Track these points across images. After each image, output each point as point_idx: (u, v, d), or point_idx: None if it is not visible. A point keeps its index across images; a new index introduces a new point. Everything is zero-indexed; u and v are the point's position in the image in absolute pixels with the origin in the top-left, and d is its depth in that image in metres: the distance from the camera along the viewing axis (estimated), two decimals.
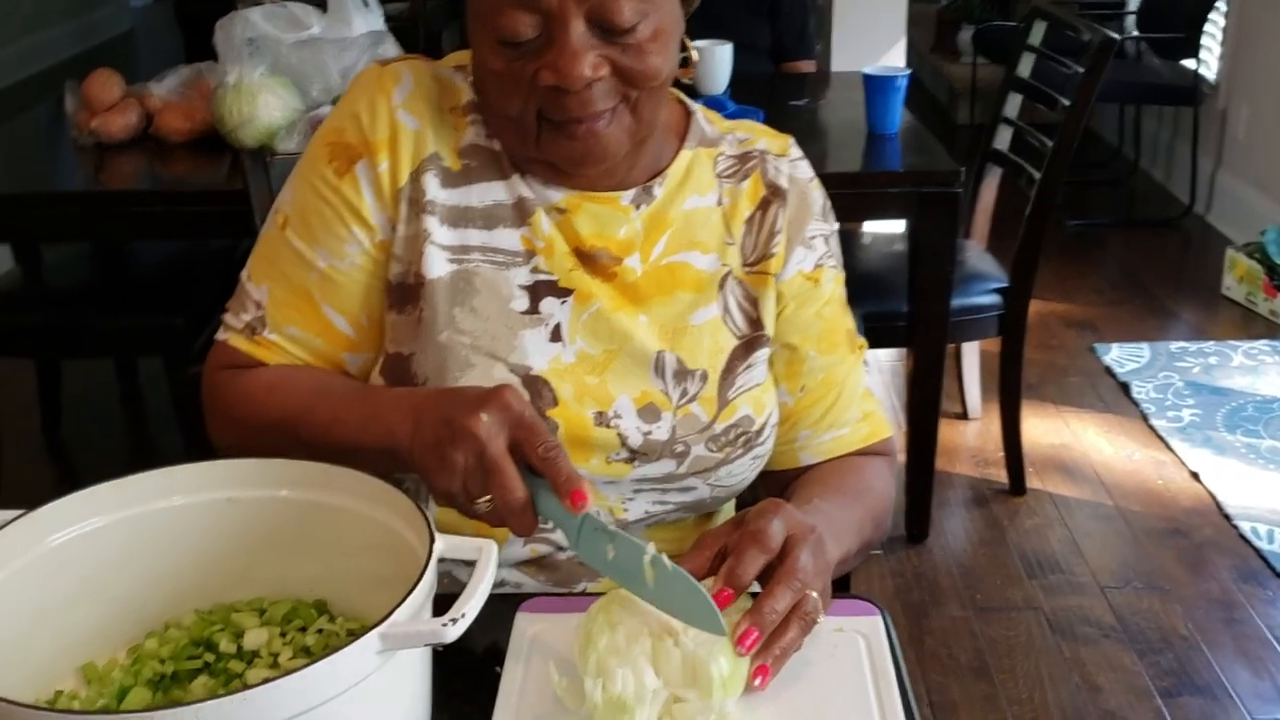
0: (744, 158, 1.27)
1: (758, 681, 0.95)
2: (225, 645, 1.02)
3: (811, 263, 1.28)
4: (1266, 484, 3.20)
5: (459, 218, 1.21)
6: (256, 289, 1.24)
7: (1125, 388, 3.70)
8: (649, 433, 1.20)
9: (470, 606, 0.86)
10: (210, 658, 1.02)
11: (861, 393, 1.32)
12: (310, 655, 1.02)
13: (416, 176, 1.20)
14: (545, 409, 1.18)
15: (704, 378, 1.23)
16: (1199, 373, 3.77)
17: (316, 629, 1.05)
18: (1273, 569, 2.88)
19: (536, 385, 1.18)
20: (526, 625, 1.07)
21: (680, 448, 1.21)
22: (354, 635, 1.02)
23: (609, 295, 1.21)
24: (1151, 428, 3.50)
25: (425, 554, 0.93)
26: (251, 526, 1.07)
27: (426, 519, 0.96)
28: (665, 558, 0.97)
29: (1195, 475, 3.27)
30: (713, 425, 1.22)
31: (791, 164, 1.29)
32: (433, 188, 1.20)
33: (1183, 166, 5.08)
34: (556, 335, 1.20)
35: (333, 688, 0.83)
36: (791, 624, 0.97)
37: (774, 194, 1.26)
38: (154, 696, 0.97)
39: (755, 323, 1.26)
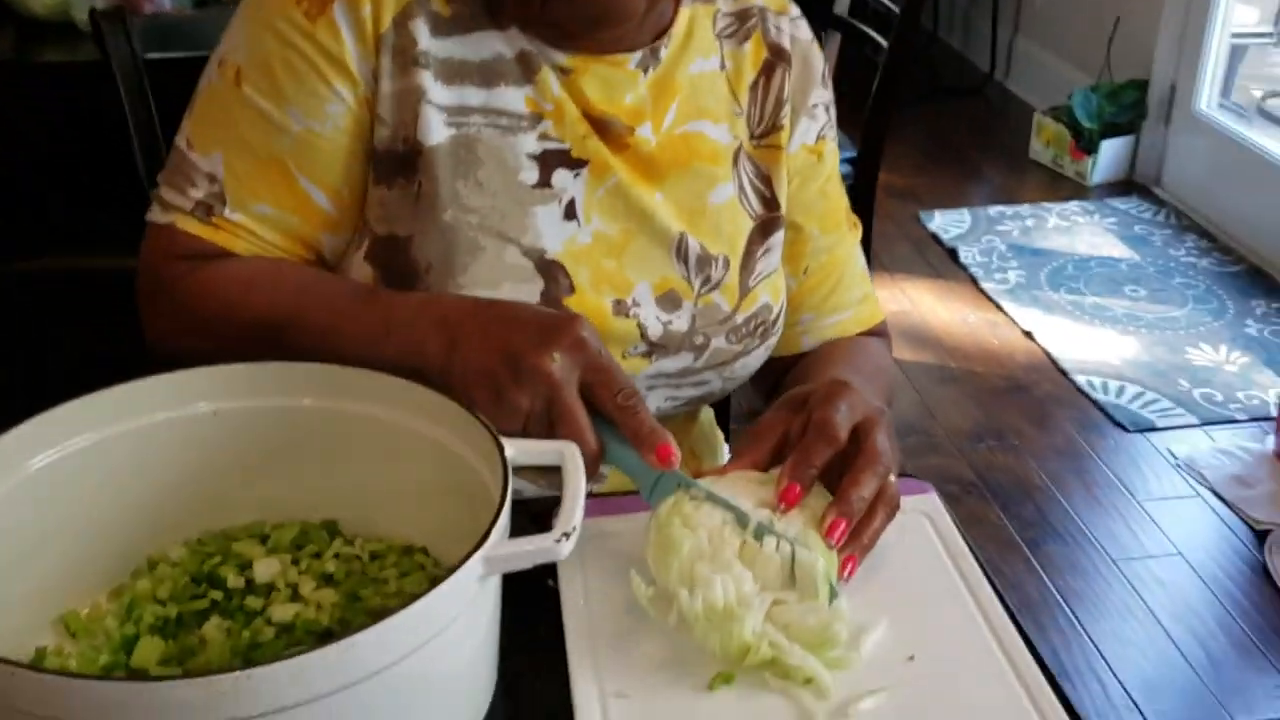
0: (742, 15, 1.16)
1: (845, 573, 0.88)
2: (233, 580, 0.89)
3: (814, 134, 1.19)
4: (1095, 339, 3.33)
5: (454, 73, 1.05)
6: (205, 159, 1.06)
7: (953, 253, 3.77)
8: (669, 323, 1.10)
9: (578, 519, 0.76)
10: (218, 595, 0.88)
11: (859, 274, 1.26)
12: (335, 584, 0.90)
13: (402, 22, 1.04)
14: (561, 297, 1.06)
15: (726, 264, 1.13)
16: (1018, 235, 3.88)
17: (333, 553, 0.92)
18: (1111, 419, 3.01)
19: (552, 270, 1.06)
20: (588, 529, 0.96)
21: (700, 339, 1.12)
22: (380, 557, 0.91)
23: (624, 168, 1.09)
24: (982, 290, 3.59)
25: (494, 461, 0.81)
26: (240, 442, 0.92)
27: (482, 421, 0.84)
28: (768, 516, 0.89)
29: (1028, 334, 3.37)
30: (734, 316, 1.13)
31: (792, 23, 1.18)
32: (423, 36, 1.04)
33: (980, 35, 5.17)
34: (571, 213, 1.08)
35: (439, 621, 0.72)
36: (877, 511, 0.91)
37: (777, 57, 1.16)
38: (166, 646, 0.83)
39: (770, 202, 1.17)
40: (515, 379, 0.88)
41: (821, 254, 1.22)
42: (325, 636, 0.85)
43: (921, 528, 0.97)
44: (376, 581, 0.90)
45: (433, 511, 0.92)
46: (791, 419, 0.97)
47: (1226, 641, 2.37)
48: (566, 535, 0.74)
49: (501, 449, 0.81)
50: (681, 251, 1.11)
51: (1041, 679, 0.83)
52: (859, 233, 1.26)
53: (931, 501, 1.00)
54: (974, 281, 3.63)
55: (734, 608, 0.81)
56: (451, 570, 0.71)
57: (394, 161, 1.04)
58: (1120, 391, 3.10)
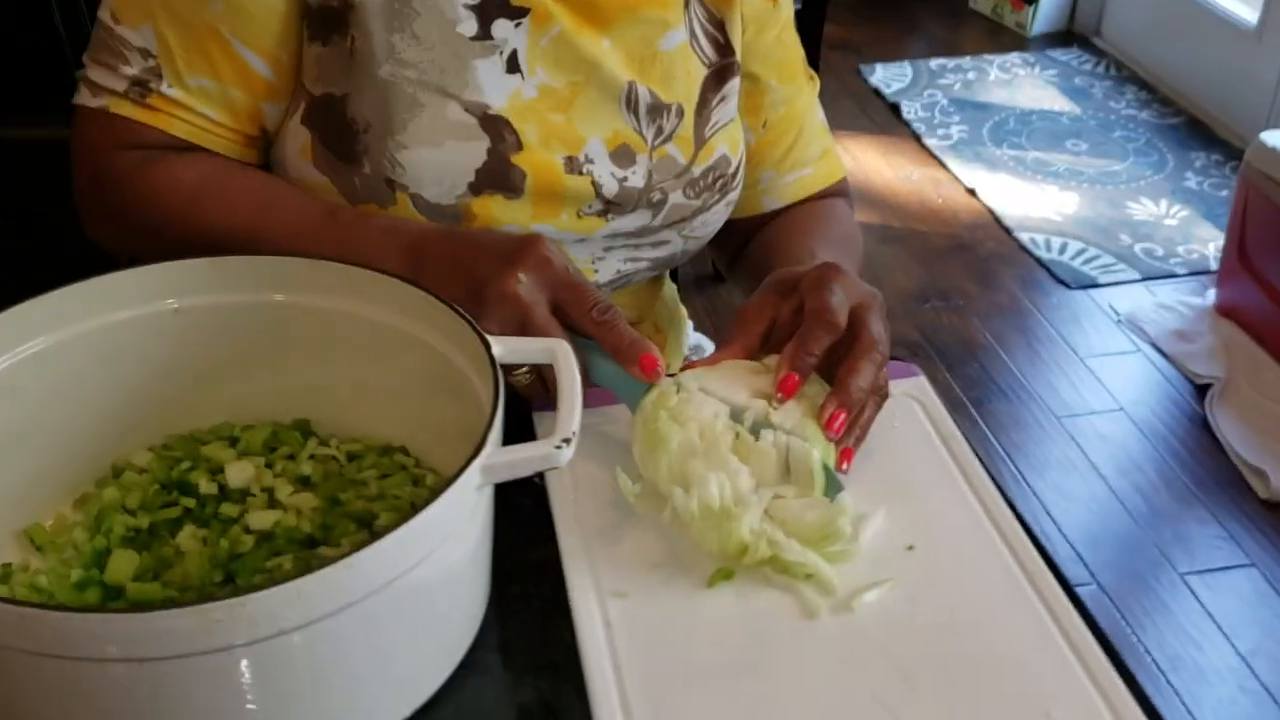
0: None
1: (844, 465, 0.86)
2: (205, 486, 0.85)
3: None
4: (1037, 196, 3.33)
5: None
6: (134, 32, 0.97)
7: (895, 109, 3.73)
8: (624, 179, 1.06)
9: (576, 423, 0.73)
10: (190, 503, 0.84)
11: (819, 128, 1.22)
12: (312, 487, 0.86)
13: None
14: (509, 154, 1.01)
15: (679, 113, 1.08)
16: (960, 89, 3.84)
17: (308, 455, 0.88)
18: (1054, 276, 3.02)
19: (496, 126, 1.00)
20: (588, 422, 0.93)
21: (657, 195, 1.08)
22: (358, 458, 0.88)
23: (567, 15, 1.03)
24: (925, 147, 3.55)
25: (481, 360, 0.77)
26: (205, 341, 0.87)
27: (465, 318, 0.80)
28: (764, 408, 0.85)
29: (972, 191, 3.35)
30: (690, 169, 1.09)
31: None
32: None
33: None
34: (514, 65, 1.01)
35: (439, 533, 0.68)
36: (869, 401, 0.88)
37: None
38: (141, 558, 0.79)
39: (724, 48, 1.11)
40: (482, 307, 0.85)
41: (780, 106, 1.17)
42: (308, 543, 0.82)
43: (911, 412, 0.95)
44: (356, 483, 0.86)
45: (410, 409, 0.88)
46: (780, 303, 0.94)
47: (1168, 494, 2.42)
48: (566, 441, 0.71)
49: (488, 347, 0.77)
50: (632, 102, 1.05)
51: (1040, 563, 0.82)
52: (817, 85, 1.22)
53: (919, 384, 0.98)
54: (917, 138, 3.60)
55: (731, 507, 0.79)
56: (449, 482, 0.67)
57: (326, 17, 0.97)
58: (1063, 248, 3.11)
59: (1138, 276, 2.99)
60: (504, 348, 0.79)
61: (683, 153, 1.08)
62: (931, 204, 3.32)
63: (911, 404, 0.96)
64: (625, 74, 1.05)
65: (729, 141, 1.11)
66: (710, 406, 0.85)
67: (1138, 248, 3.10)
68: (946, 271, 3.07)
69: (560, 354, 0.78)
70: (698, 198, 1.09)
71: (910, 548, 0.83)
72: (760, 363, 0.90)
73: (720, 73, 1.11)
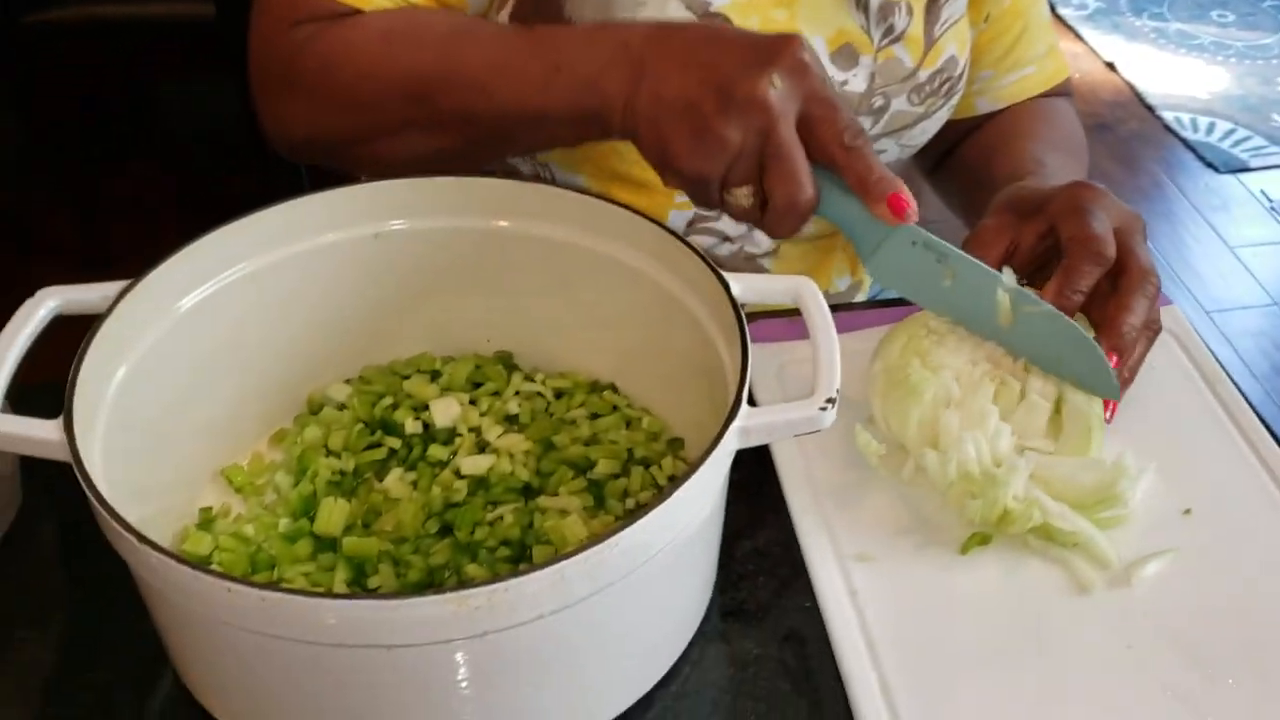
0: None
1: (1108, 414, 0.78)
2: (411, 426, 0.79)
3: None
4: (1181, 70, 3.14)
5: None
6: None
7: None
8: (844, 83, 0.96)
9: (838, 379, 0.65)
10: (395, 443, 0.79)
11: (1044, 23, 1.10)
12: (520, 427, 0.80)
13: None
14: None
15: (909, 11, 0.97)
16: None
17: (514, 391, 0.82)
18: (1201, 159, 2.86)
19: (716, 23, 0.90)
20: (764, 362, 0.86)
21: (879, 101, 0.98)
22: (566, 395, 0.81)
23: None
24: (1059, 16, 3.36)
25: (716, 298, 0.70)
26: (402, 267, 0.81)
27: (698, 253, 0.72)
28: (1029, 290, 0.76)
29: (1111, 65, 3.17)
30: (917, 72, 0.98)
31: None
32: None
33: None
34: None
35: (693, 507, 0.62)
36: (1140, 340, 0.79)
37: None
38: (351, 507, 0.74)
39: None
40: (723, 109, 0.72)
41: None
42: (526, 492, 0.76)
43: (1170, 350, 0.86)
44: (566, 424, 0.80)
45: (620, 343, 0.81)
46: (1020, 225, 0.84)
47: None
48: (830, 402, 0.63)
49: (728, 287, 0.69)
50: None
51: None
52: None
53: (1175, 316, 0.89)
54: (1051, 7, 3.39)
55: (994, 471, 0.71)
56: (707, 451, 0.60)
57: None
58: (1210, 129, 2.93)
59: None
60: (742, 285, 0.71)
61: (910, 54, 0.97)
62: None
63: (1168, 339, 0.87)
64: None
65: (958, 41, 1.00)
66: (968, 347, 0.77)
67: None
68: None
69: (808, 295, 0.70)
70: (922, 104, 0.99)
71: (1187, 511, 0.75)
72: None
73: None
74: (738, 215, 0.76)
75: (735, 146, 0.71)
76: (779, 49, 0.72)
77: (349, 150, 0.89)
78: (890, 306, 0.89)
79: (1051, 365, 0.76)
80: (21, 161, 2.61)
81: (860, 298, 1.17)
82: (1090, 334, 0.76)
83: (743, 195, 0.74)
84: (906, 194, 0.73)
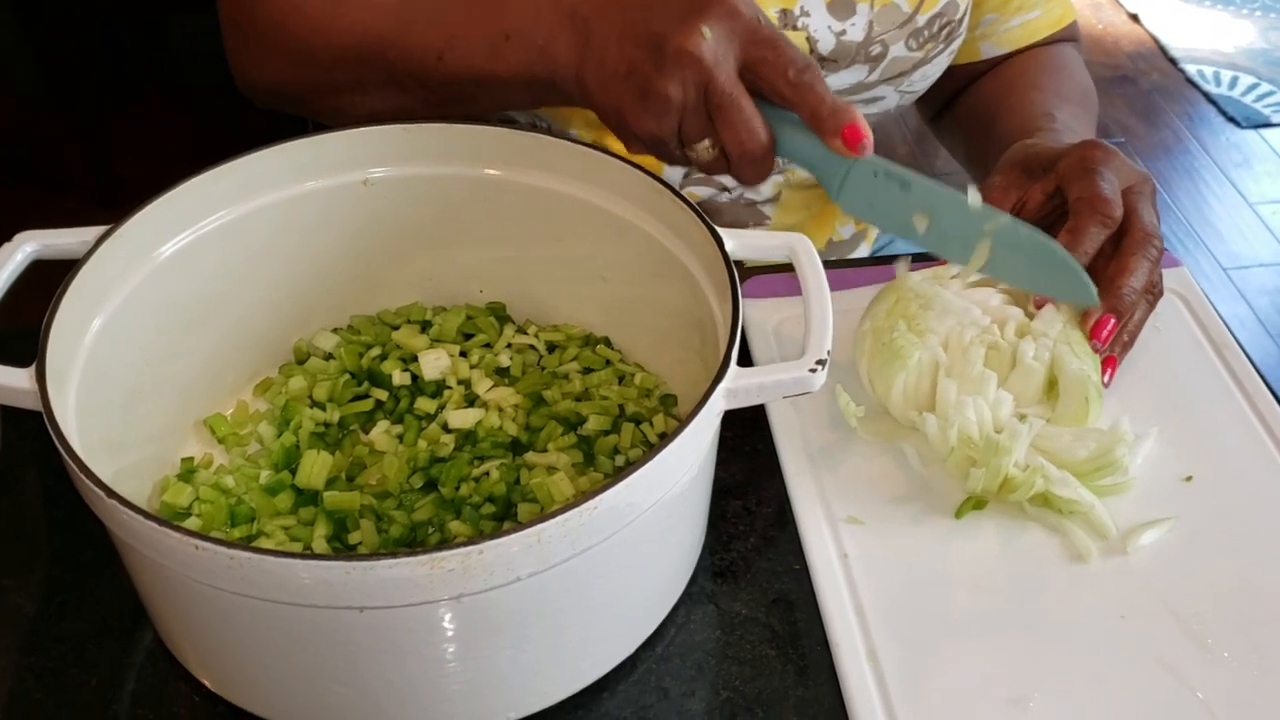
0: None
1: (1106, 377, 0.76)
2: (399, 377, 0.77)
3: None
4: (1205, 23, 3.08)
5: None
6: None
7: None
8: (842, 32, 0.93)
9: (829, 340, 0.63)
10: (382, 395, 0.77)
11: None
12: (511, 380, 0.78)
13: None
14: None
15: None
16: None
17: (505, 344, 0.80)
18: (1224, 113, 2.81)
19: None
20: (761, 318, 0.84)
21: (876, 49, 0.95)
22: (559, 349, 0.80)
23: None
24: None
25: (707, 250, 0.68)
26: (392, 214, 0.79)
27: (692, 207, 0.70)
28: (1000, 212, 0.73)
29: (1134, 17, 3.12)
30: (915, 17, 0.96)
31: None
32: None
33: None
34: None
35: (680, 468, 0.60)
36: (1140, 303, 0.77)
37: None
38: (335, 459, 0.73)
39: None
40: (660, 66, 0.71)
41: None
42: (514, 447, 0.74)
43: (1176, 312, 0.84)
44: (558, 378, 0.78)
45: (614, 296, 0.80)
46: (1028, 184, 0.82)
47: None
48: (820, 363, 0.62)
49: (719, 240, 0.68)
50: None
51: None
52: None
53: (1182, 278, 0.87)
54: None
55: (995, 438, 0.69)
56: (694, 411, 0.59)
57: None
58: (1233, 83, 2.89)
59: None
60: (736, 242, 0.69)
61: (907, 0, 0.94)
62: (1090, 30, 3.09)
63: (1175, 301, 0.85)
64: None
65: None
66: (955, 311, 0.75)
67: None
68: (1107, 105, 2.86)
69: (801, 250, 0.68)
70: (920, 49, 0.97)
71: (1188, 479, 0.73)
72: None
73: None
74: (706, 169, 0.75)
75: (678, 102, 0.71)
76: (708, 0, 0.71)
77: (309, 103, 0.88)
78: (887, 264, 0.87)
79: (1025, 280, 0.74)
80: (33, 96, 2.59)
81: (865, 248, 1.15)
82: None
83: (703, 149, 0.74)
84: (861, 123, 0.70)
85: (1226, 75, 2.91)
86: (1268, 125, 2.77)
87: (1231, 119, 2.79)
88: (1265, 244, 2.50)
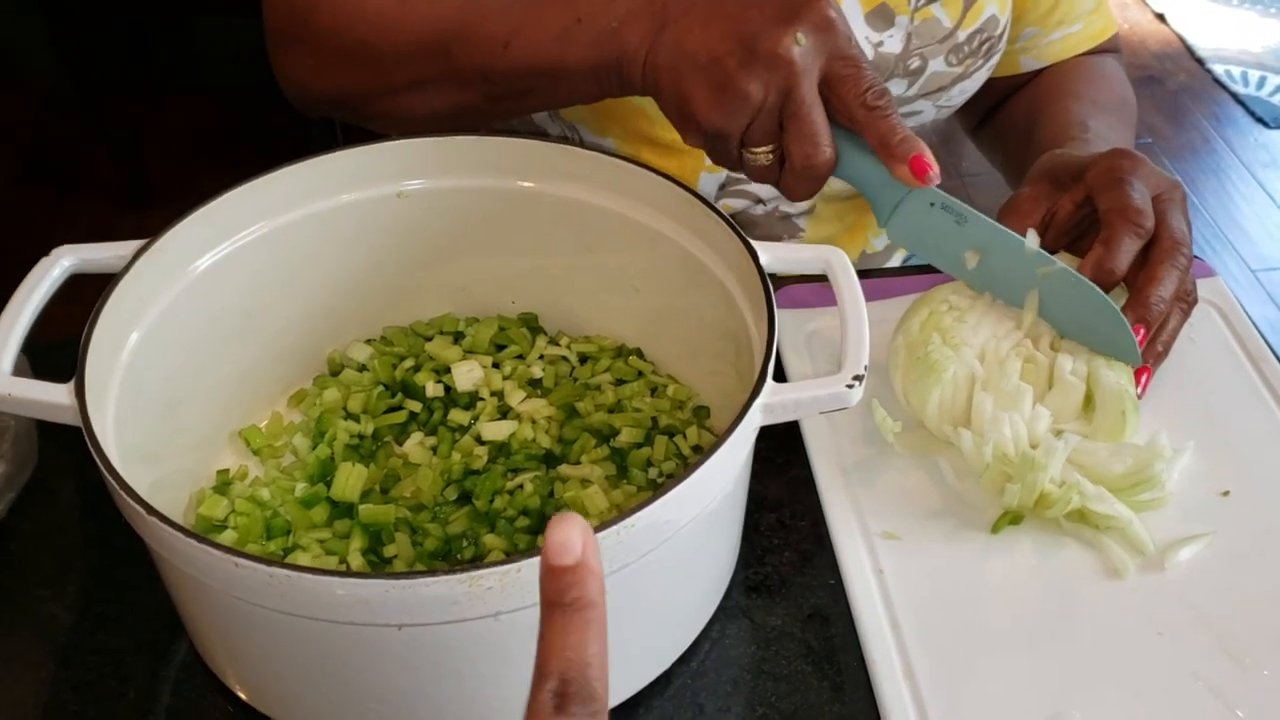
0: None
1: (1139, 389, 0.75)
2: (432, 389, 0.77)
3: None
4: (1232, 22, 3.06)
5: None
6: None
7: None
8: (879, 45, 0.93)
9: (866, 355, 0.63)
10: (415, 406, 0.77)
11: None
12: (545, 392, 0.78)
13: None
14: None
15: None
16: None
17: (538, 355, 0.80)
18: (1252, 114, 2.79)
19: None
20: (794, 327, 0.84)
21: (915, 63, 0.94)
22: (591, 360, 0.80)
23: None
24: None
25: (743, 266, 0.68)
26: (427, 226, 0.79)
27: (727, 220, 0.70)
28: (1053, 259, 0.73)
29: (1160, 17, 3.10)
30: (955, 32, 0.95)
31: None
32: None
33: None
34: None
35: (716, 486, 0.60)
36: (1173, 312, 0.77)
37: None
38: (369, 471, 0.73)
39: None
40: (746, 64, 0.70)
41: None
42: (547, 459, 0.74)
43: (1211, 322, 0.84)
44: (590, 389, 0.78)
45: (646, 308, 0.80)
46: (1057, 195, 0.82)
47: None
48: (858, 379, 0.62)
49: (756, 257, 0.67)
50: None
51: None
52: None
53: (1218, 287, 0.86)
54: None
55: (1031, 453, 0.69)
56: (730, 428, 0.59)
57: None
58: (1261, 83, 2.86)
59: None
60: (771, 255, 0.69)
61: (949, 14, 0.94)
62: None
63: (1210, 311, 0.84)
64: None
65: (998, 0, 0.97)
66: (990, 322, 0.74)
67: None
68: None
69: (837, 265, 0.68)
70: (960, 64, 0.96)
71: (1225, 493, 0.73)
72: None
73: None
74: (755, 175, 0.74)
75: (756, 103, 0.70)
76: (806, 4, 0.70)
77: (365, 107, 0.87)
78: (923, 274, 0.87)
79: (1073, 330, 0.74)
80: (59, 97, 2.60)
81: (897, 259, 1.14)
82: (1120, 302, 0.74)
83: (762, 154, 0.73)
84: (929, 156, 0.71)
85: (1254, 75, 2.89)
86: None
87: (1259, 119, 2.77)
88: None
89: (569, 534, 0.38)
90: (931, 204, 0.73)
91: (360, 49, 0.85)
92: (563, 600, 0.38)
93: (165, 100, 2.70)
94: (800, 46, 0.69)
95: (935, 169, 0.71)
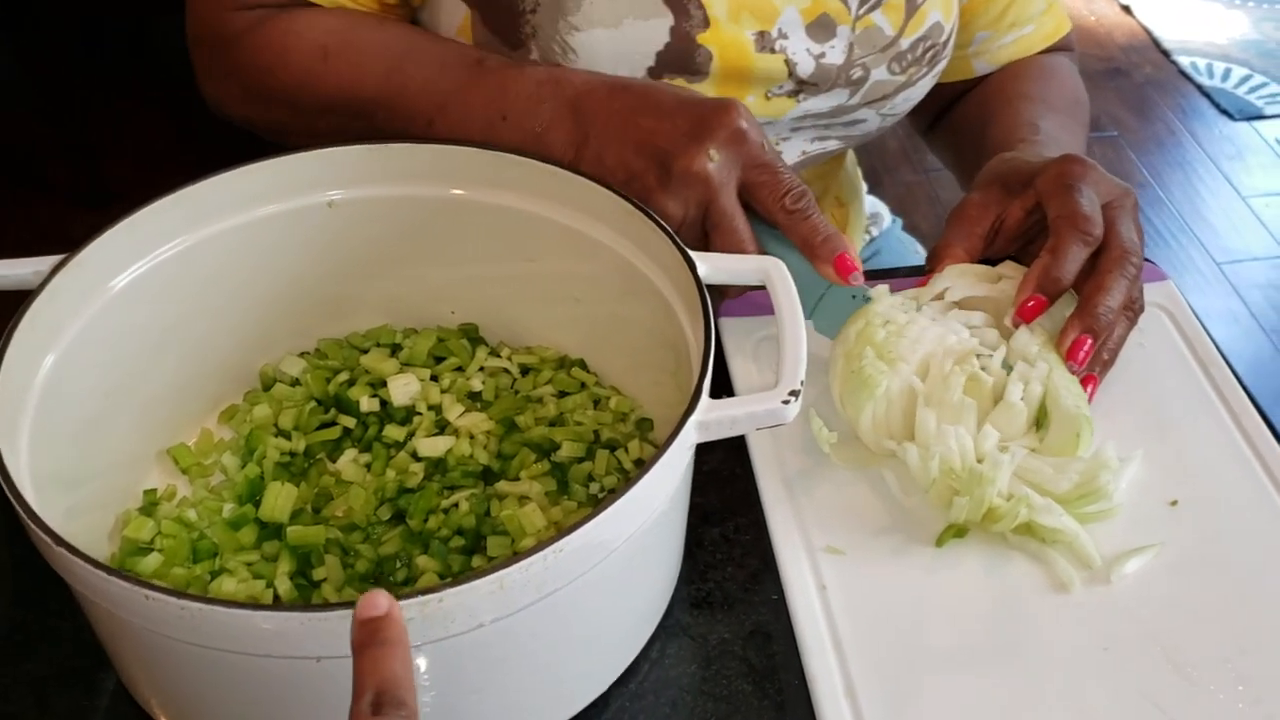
0: None
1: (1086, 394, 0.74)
2: (367, 404, 0.76)
3: None
4: (1198, 14, 3.06)
5: None
6: None
7: None
8: (821, 55, 0.91)
9: (802, 371, 0.61)
10: (350, 422, 0.76)
11: None
12: (483, 404, 0.76)
13: None
14: (695, 33, 0.87)
15: None
16: None
17: (478, 366, 0.79)
18: (1217, 106, 2.79)
19: (681, 1, 0.86)
20: (741, 336, 0.82)
21: (857, 73, 0.93)
22: (533, 372, 0.78)
23: None
24: None
25: (681, 278, 0.66)
26: (359, 237, 0.77)
27: (666, 230, 0.68)
28: (996, 337, 0.73)
29: (1126, 9, 3.10)
30: (898, 41, 0.94)
31: None
32: None
33: None
34: None
35: (652, 502, 0.59)
36: (1119, 320, 0.76)
37: None
38: (300, 490, 0.71)
39: None
40: (663, 182, 0.73)
41: None
42: (485, 475, 0.73)
43: (1161, 326, 0.83)
44: (531, 402, 0.77)
45: (589, 318, 0.78)
46: (1006, 200, 0.81)
47: None
48: (794, 394, 0.60)
49: (693, 267, 0.66)
50: None
51: None
52: None
53: (1168, 291, 0.85)
54: None
55: (979, 469, 0.68)
56: (665, 446, 0.57)
57: None
58: (1226, 75, 2.87)
59: None
60: (709, 266, 0.68)
61: (891, 22, 0.92)
62: (1083, 22, 3.07)
63: (1160, 316, 0.83)
64: None
65: (942, 6, 0.95)
66: (932, 335, 0.73)
67: None
68: (1099, 99, 2.84)
69: (777, 277, 0.67)
70: (903, 72, 0.95)
71: (1173, 503, 0.71)
72: (992, 269, 0.78)
73: None
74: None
75: (678, 219, 0.74)
76: (718, 119, 0.73)
77: (286, 137, 0.87)
78: (906, 277, 0.85)
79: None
80: (16, 96, 2.57)
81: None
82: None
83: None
84: (852, 254, 0.73)
85: (1220, 67, 2.89)
86: (1261, 118, 2.75)
87: (1225, 111, 2.77)
88: (1259, 238, 2.48)
89: (377, 597, 0.48)
90: (854, 296, 0.75)
91: (281, 95, 0.86)
92: (373, 641, 0.47)
93: (122, 100, 2.66)
94: (714, 162, 0.73)
95: (859, 268, 0.73)
